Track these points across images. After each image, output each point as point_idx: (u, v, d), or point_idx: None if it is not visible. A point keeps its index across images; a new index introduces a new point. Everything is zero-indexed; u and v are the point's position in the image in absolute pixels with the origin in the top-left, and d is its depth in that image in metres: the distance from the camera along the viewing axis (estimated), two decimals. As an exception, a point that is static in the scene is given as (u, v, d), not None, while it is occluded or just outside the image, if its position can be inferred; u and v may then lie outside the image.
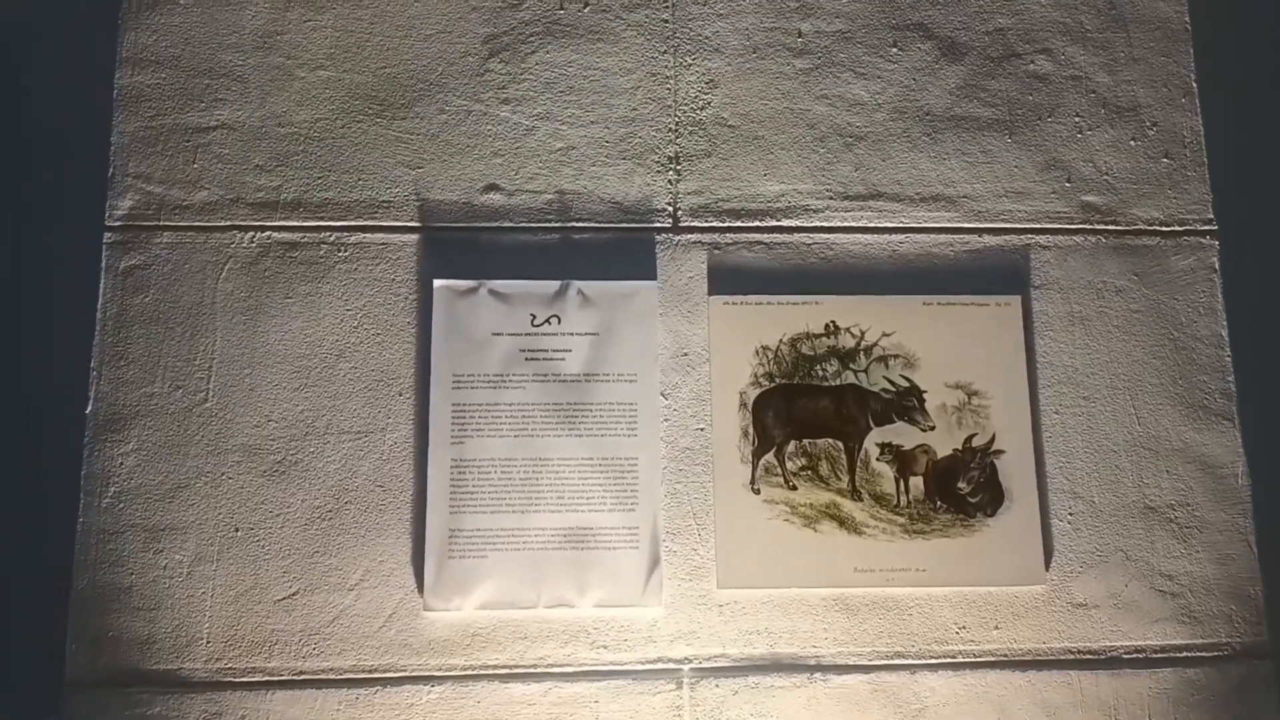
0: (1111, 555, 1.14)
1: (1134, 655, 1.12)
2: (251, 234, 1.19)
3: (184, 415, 1.15)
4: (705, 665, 1.11)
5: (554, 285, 1.18)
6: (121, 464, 1.14)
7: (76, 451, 1.14)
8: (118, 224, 1.18)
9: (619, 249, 1.20)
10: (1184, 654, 1.12)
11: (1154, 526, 1.15)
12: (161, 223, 1.19)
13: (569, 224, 1.21)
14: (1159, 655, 1.12)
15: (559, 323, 1.18)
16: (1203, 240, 1.22)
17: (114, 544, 1.11)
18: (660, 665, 1.10)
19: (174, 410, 1.15)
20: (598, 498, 1.14)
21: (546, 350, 1.17)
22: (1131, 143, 1.25)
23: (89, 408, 1.15)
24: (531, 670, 1.10)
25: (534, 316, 1.18)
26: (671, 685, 1.10)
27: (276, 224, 1.19)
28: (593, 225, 1.21)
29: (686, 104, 1.25)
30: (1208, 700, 1.11)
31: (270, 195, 1.20)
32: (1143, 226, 1.23)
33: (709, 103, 1.24)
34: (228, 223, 1.19)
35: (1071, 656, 1.12)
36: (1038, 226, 1.23)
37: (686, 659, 1.11)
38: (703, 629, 1.12)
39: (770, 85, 1.25)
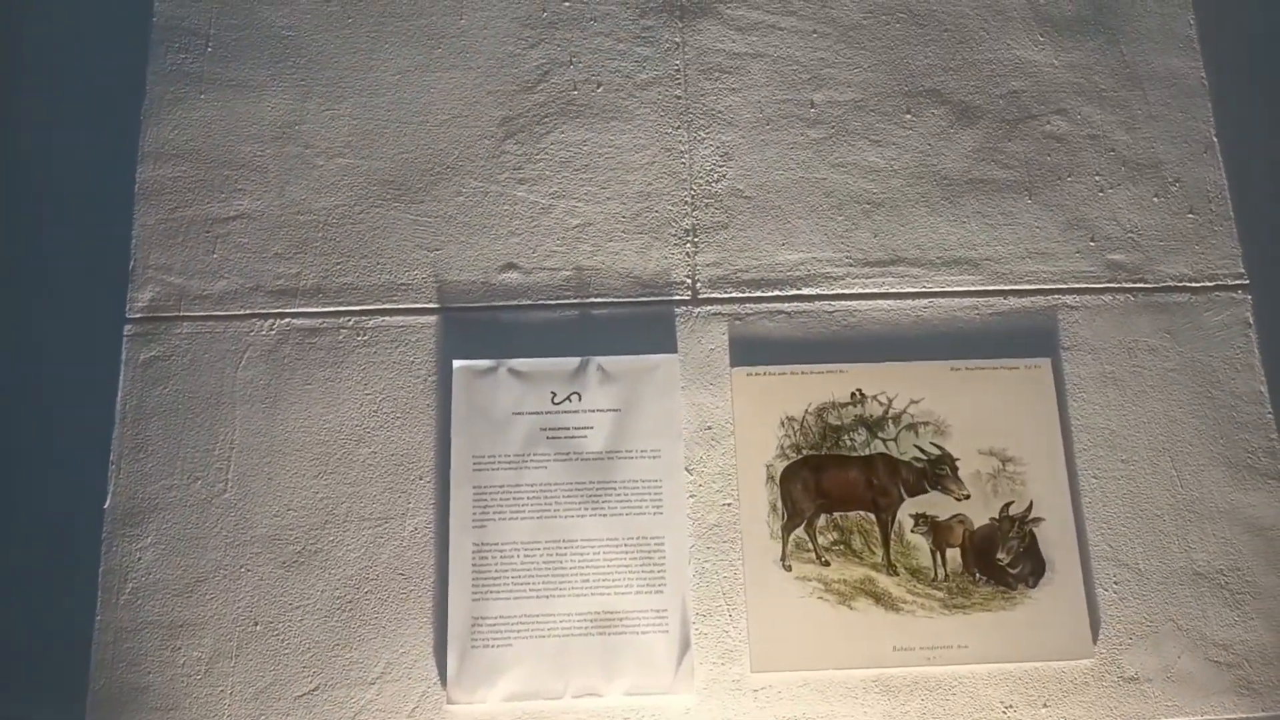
0: (1162, 625, 1.18)
1: (1192, 733, 1.15)
2: (271, 321, 1.28)
3: (203, 507, 1.22)
4: None
5: (574, 362, 1.26)
6: (139, 559, 1.21)
7: (94, 547, 1.21)
8: (138, 316, 1.28)
9: (639, 323, 1.28)
10: (1246, 731, 1.15)
11: (1204, 593, 1.19)
12: (181, 313, 1.28)
13: (587, 300, 1.29)
14: (1219, 733, 1.15)
15: (580, 400, 1.25)
16: (1234, 295, 1.28)
17: (131, 642, 1.18)
18: None
19: (193, 502, 1.22)
20: (624, 580, 1.19)
21: (568, 428, 1.24)
22: (1155, 199, 1.33)
23: (107, 502, 1.22)
24: None
25: (554, 394, 1.25)
26: None
27: (296, 310, 1.28)
28: (611, 300, 1.30)
29: (701, 177, 1.34)
30: (1273, 779, 1.13)
31: (289, 282, 1.29)
32: (1172, 283, 1.30)
33: (724, 175, 1.34)
34: (247, 311, 1.28)
35: (1127, 734, 1.15)
36: (1064, 287, 1.30)
37: None
38: (737, 716, 1.15)
39: (785, 155, 1.35)
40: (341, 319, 1.28)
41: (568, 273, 1.30)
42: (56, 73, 1.46)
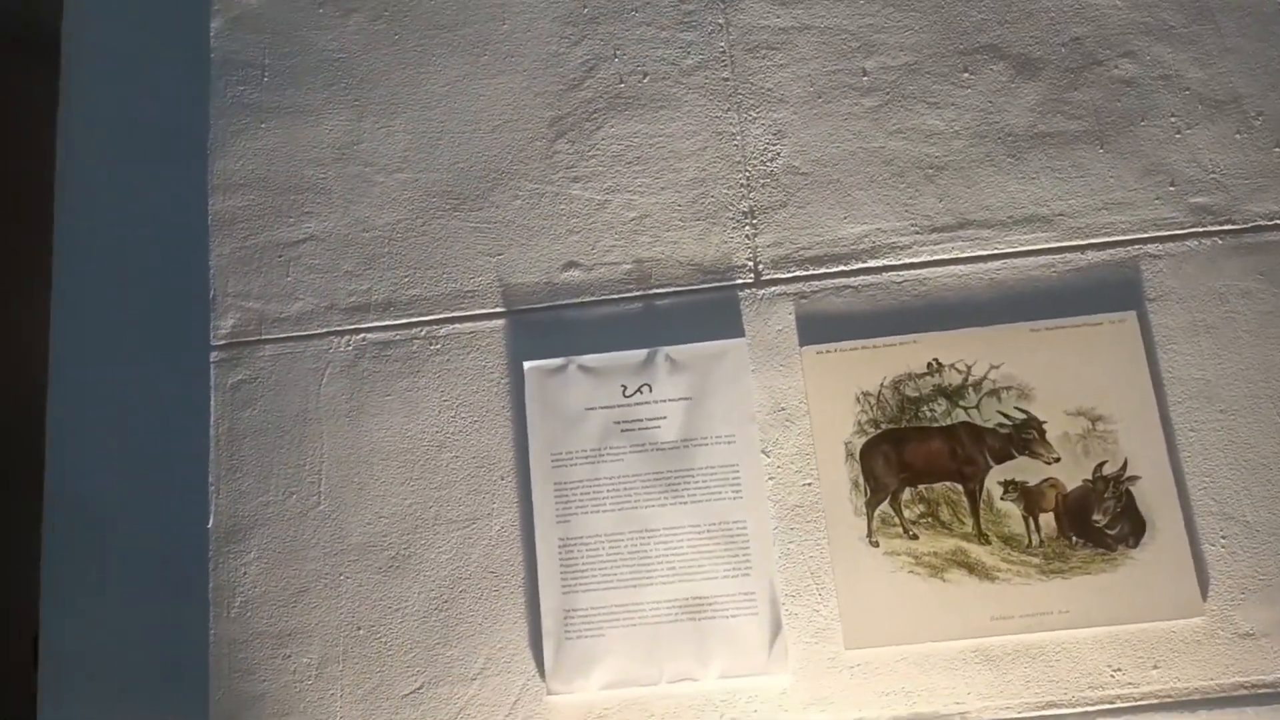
0: (1275, 578, 1.15)
1: (1316, 686, 1.13)
2: (347, 338, 1.35)
3: (299, 520, 1.30)
4: None
5: (642, 354, 1.29)
6: (245, 573, 1.29)
7: (202, 566, 1.30)
8: (222, 342, 1.36)
9: (703, 310, 1.31)
10: (1376, 684, 1.11)
11: (1322, 546, 1.16)
12: (263, 336, 1.36)
13: (650, 291, 1.32)
14: (1345, 684, 1.12)
15: (650, 391, 1.28)
16: (1330, 229, 1.25)
17: (245, 652, 1.26)
18: None
19: (289, 516, 1.30)
20: (710, 565, 1.22)
21: (641, 420, 1.28)
22: (1237, 136, 1.29)
23: (210, 522, 1.31)
24: None
25: (625, 387, 1.29)
26: None
27: (370, 325, 1.35)
28: (674, 290, 1.32)
29: (756, 158, 1.35)
30: None
31: (361, 298, 1.36)
32: (1262, 222, 1.26)
33: (778, 153, 1.35)
34: (324, 329, 1.35)
35: (1245, 692, 1.12)
36: (1145, 236, 1.27)
37: None
38: (835, 694, 1.17)
39: (840, 127, 1.35)
40: (414, 330, 1.34)
41: (628, 266, 1.33)
42: (124, 116, 1.56)
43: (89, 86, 1.58)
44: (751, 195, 1.35)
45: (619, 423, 1.28)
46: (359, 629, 1.26)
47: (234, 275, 1.39)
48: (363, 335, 1.35)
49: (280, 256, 1.40)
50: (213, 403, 1.35)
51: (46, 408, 1.50)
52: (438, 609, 1.26)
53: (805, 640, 1.20)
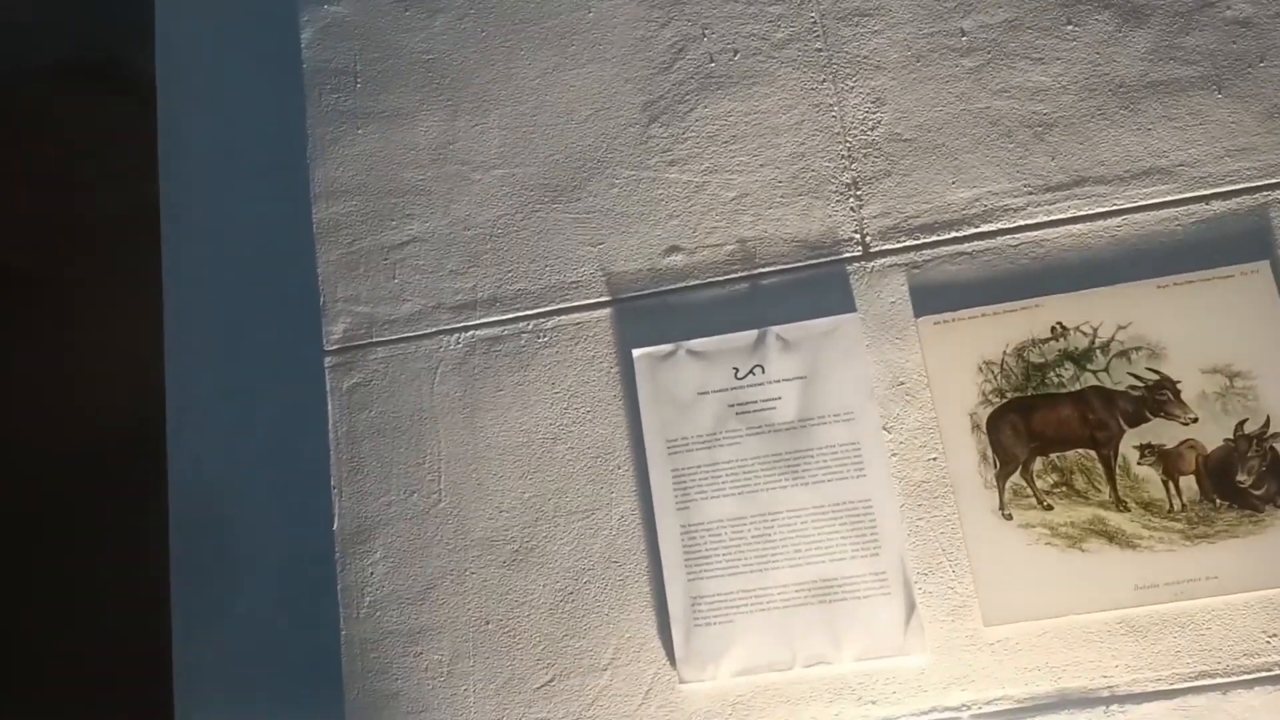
0: None
1: None
2: (456, 335, 1.39)
3: (421, 518, 1.35)
4: (986, 710, 1.17)
5: (751, 335, 1.31)
6: (372, 573, 1.35)
7: (330, 568, 1.36)
8: (335, 347, 1.42)
9: (812, 287, 1.32)
10: None
11: None
12: (374, 339, 1.41)
13: (756, 271, 1.33)
14: None
15: (763, 372, 1.30)
16: None
17: (376, 652, 1.32)
18: (936, 715, 1.18)
19: (412, 515, 1.35)
20: (837, 546, 1.23)
21: (755, 401, 1.29)
22: (1369, 70, 1.26)
23: (335, 524, 1.37)
24: None
25: (736, 370, 1.31)
26: None
27: (477, 322, 1.39)
28: (780, 268, 1.33)
29: (855, 127, 1.35)
30: None
31: (467, 296, 1.40)
32: (1403, 160, 1.23)
33: (879, 121, 1.35)
34: (434, 329, 1.40)
35: None
36: (1273, 182, 1.24)
37: (964, 705, 1.18)
38: (976, 672, 1.18)
39: (941, 90, 1.34)
40: (521, 324, 1.38)
41: (731, 246, 1.35)
42: (222, 134, 1.62)
43: (185, 110, 1.64)
44: (854, 166, 1.35)
45: (733, 405, 1.30)
46: (487, 623, 1.31)
47: (342, 280, 1.45)
48: (471, 332, 1.39)
49: (385, 259, 1.45)
50: (330, 406, 1.41)
51: (165, 423, 1.58)
52: (563, 600, 1.30)
53: (941, 619, 1.21)
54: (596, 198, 1.40)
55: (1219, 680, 1.14)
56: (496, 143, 1.44)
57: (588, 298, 1.38)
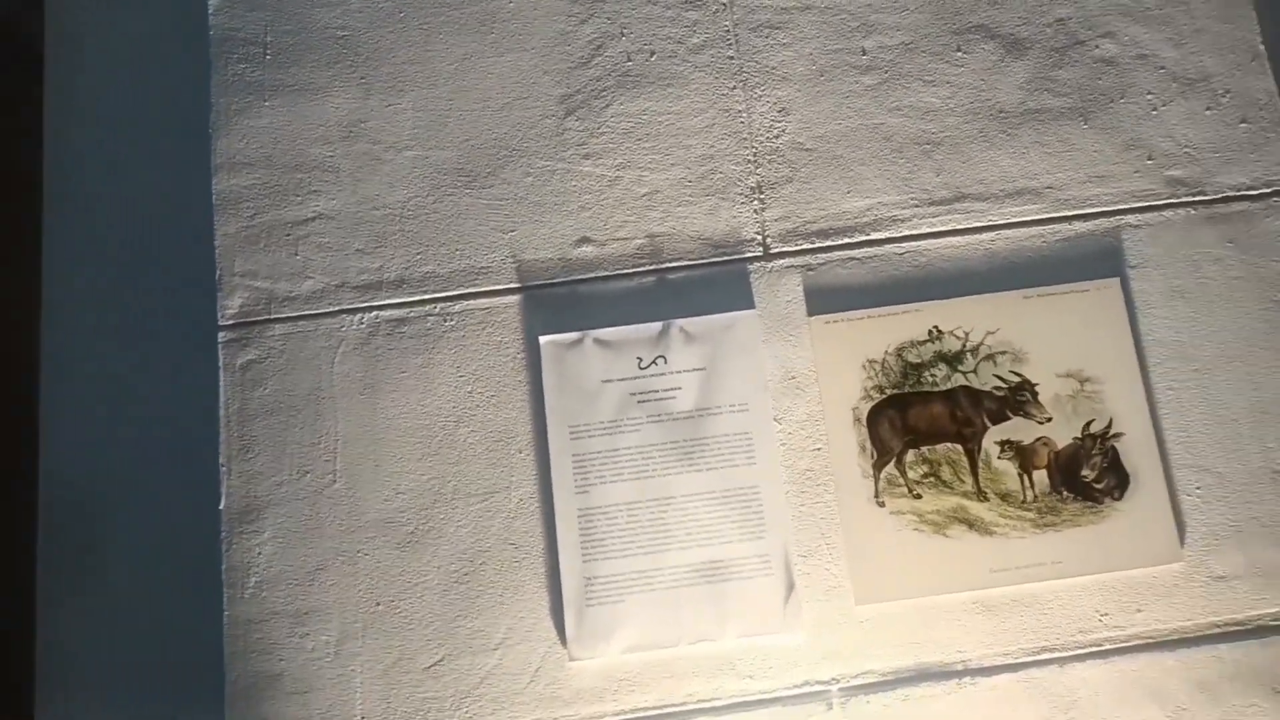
0: (1245, 524, 1.30)
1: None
2: (359, 315, 1.40)
3: (314, 499, 1.35)
4: (853, 683, 1.28)
5: (656, 327, 1.38)
6: (259, 553, 1.34)
7: (215, 548, 1.35)
8: (230, 322, 1.40)
9: (714, 284, 1.40)
10: (1336, 614, 1.28)
11: (1286, 491, 1.32)
12: (272, 315, 1.41)
13: (663, 265, 1.41)
14: (1307, 616, 1.29)
15: (665, 362, 1.37)
16: (1293, 200, 1.40)
17: (260, 633, 1.32)
18: (808, 688, 1.28)
19: (305, 495, 1.35)
20: (725, 529, 1.32)
21: (656, 390, 1.37)
22: (1207, 112, 1.43)
23: (222, 503, 1.36)
24: (681, 708, 1.28)
25: (640, 359, 1.37)
26: (822, 706, 1.27)
27: (382, 303, 1.40)
28: (686, 264, 1.41)
29: (762, 134, 1.44)
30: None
31: (373, 276, 1.41)
32: (1230, 193, 1.40)
33: (783, 130, 1.44)
34: (336, 308, 1.40)
35: (1218, 630, 1.28)
36: (1126, 207, 1.40)
37: (834, 679, 1.28)
38: (846, 647, 1.29)
39: (841, 105, 1.45)
40: (427, 307, 1.40)
41: (640, 241, 1.42)
42: (119, 97, 1.58)
43: (79, 69, 1.59)
44: (759, 171, 1.44)
45: (635, 394, 1.37)
46: (378, 604, 1.33)
47: (240, 255, 1.43)
48: (376, 313, 1.41)
49: (288, 235, 1.44)
50: (222, 383, 1.40)
51: (39, 397, 1.52)
52: (457, 582, 1.33)
53: (817, 598, 1.31)
54: (510, 185, 1.44)
55: (1058, 654, 1.28)
56: (410, 124, 1.46)
57: (497, 284, 1.42)
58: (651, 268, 1.41)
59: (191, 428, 1.46)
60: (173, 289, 1.51)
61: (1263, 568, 1.30)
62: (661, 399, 1.37)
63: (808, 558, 1.32)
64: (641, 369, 1.38)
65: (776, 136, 1.44)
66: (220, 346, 1.40)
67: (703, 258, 1.41)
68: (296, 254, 1.43)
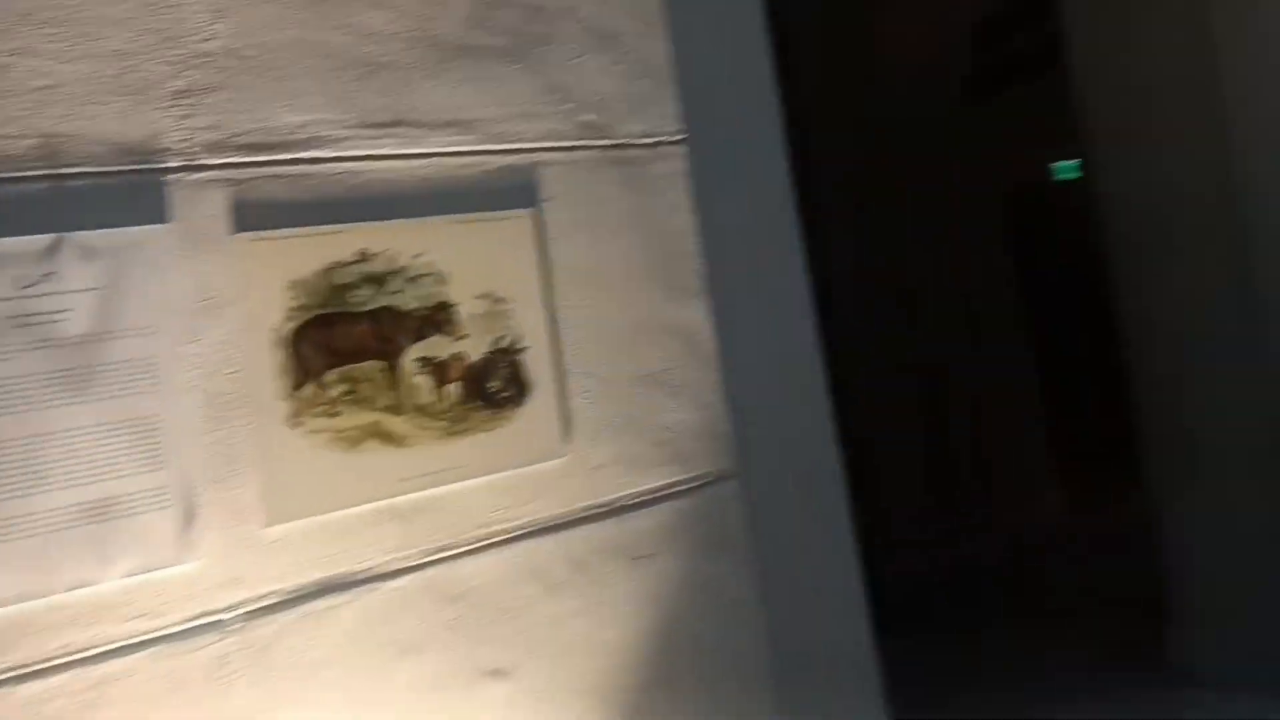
0: (618, 421, 1.52)
1: (638, 500, 1.52)
2: None
3: None
4: (254, 608, 1.27)
5: (44, 240, 1.24)
6: None
7: None
8: None
9: (124, 194, 1.29)
10: (677, 489, 1.55)
11: (651, 390, 1.56)
12: None
13: (60, 170, 1.28)
14: (658, 495, 1.54)
15: (55, 281, 1.24)
16: (674, 149, 1.62)
17: None
18: (202, 620, 1.24)
19: None
20: (119, 463, 1.23)
21: (40, 313, 1.22)
22: (615, 67, 1.60)
23: None
24: (49, 663, 1.17)
25: (21, 277, 1.23)
26: (215, 636, 1.24)
27: None
28: (90, 170, 1.29)
29: (192, 35, 1.35)
30: (696, 521, 1.56)
31: None
32: (628, 140, 1.60)
33: (217, 33, 1.37)
34: None
35: (590, 513, 1.47)
36: (544, 146, 1.53)
37: (232, 606, 1.26)
38: (250, 573, 1.27)
39: (283, 15, 1.40)
40: None
41: (33, 140, 1.27)
42: None
43: None
44: (186, 74, 1.35)
45: (13, 318, 1.22)
46: None
47: None
48: None
49: None
50: None
51: None
52: None
53: (225, 525, 1.27)
54: None
55: (455, 551, 1.39)
56: None
57: None
58: (45, 172, 1.27)
59: None
60: None
61: (630, 456, 1.52)
62: (45, 323, 1.23)
63: (219, 484, 1.27)
64: (24, 289, 1.23)
65: (208, 40, 1.36)
66: None
67: (111, 165, 1.31)
68: None
